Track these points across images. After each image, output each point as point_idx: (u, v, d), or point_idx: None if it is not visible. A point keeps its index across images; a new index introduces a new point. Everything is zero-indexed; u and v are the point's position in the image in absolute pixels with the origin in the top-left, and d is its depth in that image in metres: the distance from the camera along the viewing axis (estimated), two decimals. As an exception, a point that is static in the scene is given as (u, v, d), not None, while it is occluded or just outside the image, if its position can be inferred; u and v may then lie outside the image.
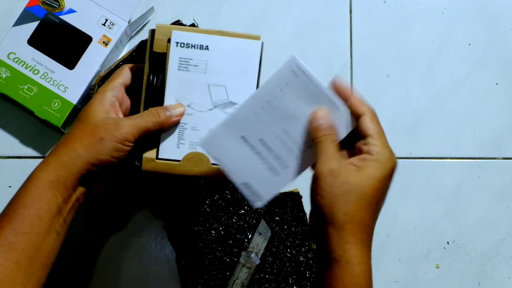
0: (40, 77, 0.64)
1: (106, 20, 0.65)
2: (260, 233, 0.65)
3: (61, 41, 0.65)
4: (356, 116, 0.47)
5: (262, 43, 0.54)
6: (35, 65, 0.64)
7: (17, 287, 0.45)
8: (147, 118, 0.50)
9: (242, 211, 0.65)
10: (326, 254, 0.44)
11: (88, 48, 0.65)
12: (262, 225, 0.65)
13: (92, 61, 0.64)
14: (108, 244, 0.67)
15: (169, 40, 0.52)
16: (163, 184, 0.66)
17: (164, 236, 0.67)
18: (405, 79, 0.72)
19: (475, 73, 0.72)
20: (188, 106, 0.52)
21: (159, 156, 0.52)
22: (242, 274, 0.63)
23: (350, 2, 0.73)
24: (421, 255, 0.69)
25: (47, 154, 0.68)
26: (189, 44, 0.52)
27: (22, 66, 0.64)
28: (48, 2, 0.65)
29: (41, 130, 0.68)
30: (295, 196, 0.67)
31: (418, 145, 0.70)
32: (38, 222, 0.46)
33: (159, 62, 0.52)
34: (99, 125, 0.49)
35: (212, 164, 0.53)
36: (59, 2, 0.65)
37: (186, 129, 0.53)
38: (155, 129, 0.50)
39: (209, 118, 0.53)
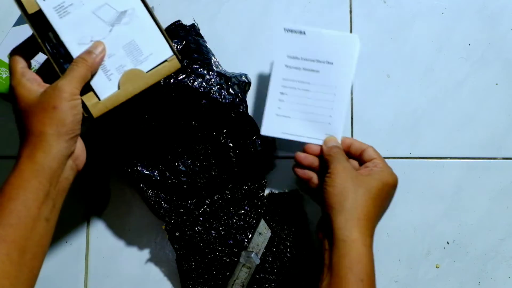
0: (40, 77, 0.64)
1: (106, 20, 0.65)
2: (260, 233, 0.65)
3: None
4: (361, 151, 0.60)
5: None
6: (35, 65, 0.64)
7: (10, 280, 0.45)
8: (77, 67, 0.50)
9: (242, 211, 0.65)
10: (332, 239, 0.52)
11: (88, 48, 0.65)
12: (262, 225, 0.65)
13: (92, 61, 0.64)
14: (107, 244, 0.67)
15: None
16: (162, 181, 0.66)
17: (164, 236, 0.67)
18: (405, 79, 0.72)
19: (475, 73, 0.72)
20: (91, 40, 0.52)
21: (101, 98, 0.52)
22: (242, 274, 0.63)
23: (350, 2, 0.73)
24: (421, 255, 0.69)
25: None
26: None
27: (22, 66, 0.64)
28: (48, 2, 0.65)
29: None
30: (295, 196, 0.67)
31: (418, 145, 0.70)
32: (25, 213, 0.46)
33: (42, 19, 0.51)
34: (43, 100, 0.48)
35: (147, 72, 0.53)
36: (59, 2, 0.65)
37: (104, 60, 0.53)
38: (90, 73, 0.51)
39: (115, 38, 0.53)
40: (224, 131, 0.64)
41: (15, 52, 0.52)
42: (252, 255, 0.63)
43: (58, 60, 0.51)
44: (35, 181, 0.47)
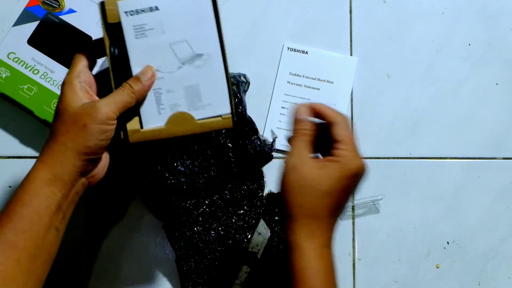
0: (40, 77, 0.64)
1: (106, 20, 0.65)
2: (259, 233, 0.65)
3: (61, 41, 0.65)
4: (328, 125, 0.50)
5: None
6: (35, 65, 0.64)
7: (18, 285, 0.45)
8: (123, 93, 0.49)
9: (242, 211, 0.65)
10: (286, 244, 0.49)
11: (88, 48, 0.65)
12: (262, 225, 0.65)
13: (92, 61, 0.64)
14: (108, 244, 0.67)
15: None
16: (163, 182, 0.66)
17: (164, 236, 0.67)
18: (405, 79, 0.72)
19: (475, 73, 0.72)
20: (157, 70, 0.51)
21: (144, 128, 0.51)
22: (242, 274, 0.63)
23: (350, 2, 0.73)
24: (421, 255, 0.68)
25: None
26: (138, 9, 0.50)
27: (22, 66, 0.64)
28: (48, 2, 0.65)
29: (41, 130, 0.68)
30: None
31: (418, 145, 0.70)
32: (37, 220, 0.46)
33: (118, 32, 0.50)
34: (79, 113, 0.47)
35: (198, 120, 0.52)
36: (59, 2, 0.65)
37: (161, 93, 0.51)
38: (134, 100, 0.49)
39: (181, 76, 0.51)
40: (223, 131, 0.64)
41: (82, 48, 0.52)
42: (252, 255, 0.63)
43: (118, 74, 0.50)
44: (47, 190, 0.47)
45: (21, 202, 0.46)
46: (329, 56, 0.70)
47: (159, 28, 0.51)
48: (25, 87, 0.64)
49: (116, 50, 0.51)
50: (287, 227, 0.49)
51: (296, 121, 0.51)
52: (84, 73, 0.50)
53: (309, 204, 0.48)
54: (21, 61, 0.64)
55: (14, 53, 0.64)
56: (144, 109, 0.51)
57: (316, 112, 0.51)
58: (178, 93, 0.52)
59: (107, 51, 0.50)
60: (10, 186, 0.67)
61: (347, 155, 0.49)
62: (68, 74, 0.50)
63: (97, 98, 0.51)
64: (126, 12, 0.50)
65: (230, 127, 0.53)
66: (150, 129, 0.51)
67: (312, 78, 0.69)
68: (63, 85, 0.50)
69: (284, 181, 0.49)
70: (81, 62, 0.51)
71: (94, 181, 0.51)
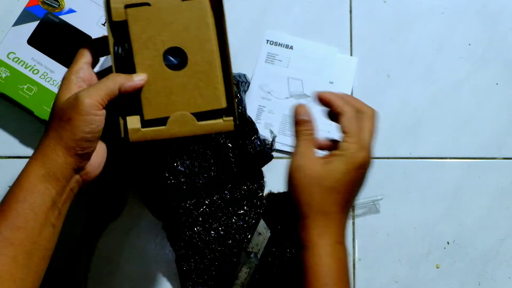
0: (39, 77, 0.64)
1: (106, 20, 0.65)
2: (260, 233, 0.65)
3: (61, 41, 0.65)
4: (336, 115, 0.51)
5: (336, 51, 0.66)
6: (34, 65, 0.64)
7: (16, 282, 0.44)
8: (106, 80, 0.47)
9: (242, 211, 0.65)
10: (297, 242, 0.49)
11: (88, 48, 0.65)
12: (262, 225, 0.65)
13: (92, 61, 0.64)
14: (107, 244, 0.67)
15: (126, 6, 0.49)
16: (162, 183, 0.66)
17: (164, 236, 0.67)
18: (405, 79, 0.72)
19: (475, 73, 0.72)
20: (268, 92, 0.60)
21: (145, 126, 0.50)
22: (242, 274, 0.63)
23: (350, 2, 0.73)
24: (421, 255, 0.68)
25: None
26: (278, 42, 0.68)
27: (21, 66, 0.64)
28: (48, 2, 0.65)
29: (41, 130, 0.68)
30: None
31: (418, 145, 0.70)
32: (33, 216, 0.46)
33: (122, 30, 0.49)
34: (64, 107, 0.47)
35: (198, 121, 0.51)
36: (59, 2, 0.65)
37: (264, 111, 0.63)
38: (116, 89, 0.47)
39: (285, 105, 0.63)
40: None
41: (87, 45, 0.51)
42: (252, 255, 0.63)
43: (120, 70, 0.50)
44: (41, 186, 0.46)
45: (16, 198, 0.46)
46: (329, 55, 0.70)
47: (286, 62, 0.66)
48: (25, 87, 0.64)
49: (120, 49, 0.50)
50: (298, 226, 0.49)
51: (297, 122, 0.51)
52: (84, 70, 0.49)
53: (317, 201, 0.48)
54: (21, 61, 0.64)
55: (14, 53, 0.64)
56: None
57: (324, 102, 0.51)
58: (276, 116, 0.64)
59: (111, 50, 0.49)
60: (10, 186, 0.67)
61: (351, 148, 0.48)
62: (68, 70, 0.50)
63: None
64: (268, 41, 0.69)
65: (231, 130, 0.52)
66: (151, 129, 0.51)
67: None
68: (62, 80, 0.49)
69: (291, 181, 0.49)
70: (83, 59, 0.50)
71: (88, 178, 0.50)
